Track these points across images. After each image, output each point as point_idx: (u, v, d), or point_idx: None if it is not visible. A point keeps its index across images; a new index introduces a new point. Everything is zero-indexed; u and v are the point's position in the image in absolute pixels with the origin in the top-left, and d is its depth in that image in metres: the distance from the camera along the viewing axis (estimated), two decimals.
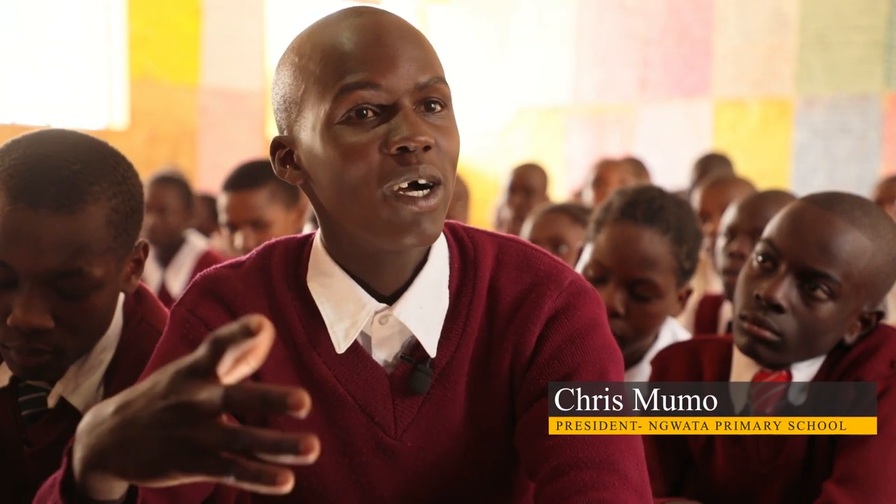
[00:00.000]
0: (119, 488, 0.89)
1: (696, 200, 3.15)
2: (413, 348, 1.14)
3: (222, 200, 2.91)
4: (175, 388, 0.77)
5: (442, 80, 1.07)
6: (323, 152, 1.05)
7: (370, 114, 1.03)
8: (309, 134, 1.06)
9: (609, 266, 1.76)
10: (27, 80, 6.57)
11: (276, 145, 1.12)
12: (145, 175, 3.93)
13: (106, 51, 6.91)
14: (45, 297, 1.20)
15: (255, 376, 1.13)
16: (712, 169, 4.28)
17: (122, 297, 1.34)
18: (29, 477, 1.31)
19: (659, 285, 1.75)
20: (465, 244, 1.17)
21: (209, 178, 6.62)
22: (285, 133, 1.10)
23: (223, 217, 2.91)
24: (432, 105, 1.06)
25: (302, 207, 2.89)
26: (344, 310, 1.12)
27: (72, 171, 1.19)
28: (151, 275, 3.59)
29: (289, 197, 2.89)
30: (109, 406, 0.83)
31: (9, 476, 1.32)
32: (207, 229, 4.38)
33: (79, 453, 0.85)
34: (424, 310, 1.12)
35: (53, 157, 1.20)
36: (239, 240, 2.85)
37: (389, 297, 1.12)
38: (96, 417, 0.84)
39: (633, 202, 1.78)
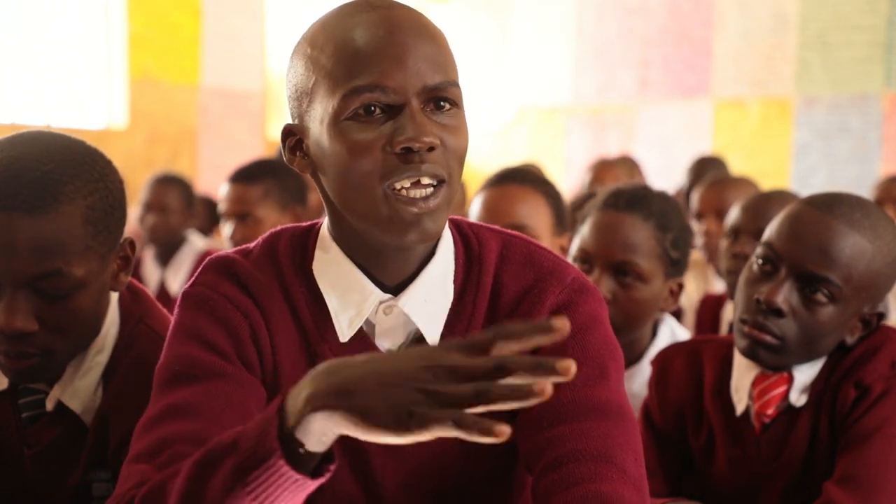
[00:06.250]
0: (329, 438, 0.90)
1: (693, 201, 3.14)
2: (417, 340, 1.14)
3: (222, 191, 3.01)
4: (441, 354, 0.84)
5: (453, 83, 1.07)
6: (330, 146, 1.06)
7: (378, 111, 1.04)
8: (317, 126, 1.07)
9: (592, 252, 1.80)
10: (27, 80, 6.56)
11: (287, 133, 1.12)
12: (145, 175, 3.95)
13: (106, 51, 6.91)
14: (28, 300, 1.20)
15: (274, 362, 1.14)
16: (707, 171, 4.27)
17: (116, 297, 1.33)
18: (28, 478, 1.31)
19: (643, 270, 1.78)
20: (471, 240, 1.18)
21: (209, 179, 6.62)
22: (296, 121, 1.11)
23: (220, 206, 3.01)
24: (441, 103, 1.06)
25: (300, 213, 2.89)
26: (349, 299, 1.12)
27: (44, 172, 1.18)
28: (151, 274, 3.60)
29: (285, 198, 2.91)
30: (357, 357, 0.89)
31: (9, 477, 1.32)
32: (207, 230, 4.38)
33: (308, 391, 0.88)
34: (429, 303, 1.13)
35: (25, 160, 1.19)
36: (228, 229, 2.90)
37: (394, 287, 1.13)
38: (342, 362, 0.89)
39: (616, 193, 1.85)
